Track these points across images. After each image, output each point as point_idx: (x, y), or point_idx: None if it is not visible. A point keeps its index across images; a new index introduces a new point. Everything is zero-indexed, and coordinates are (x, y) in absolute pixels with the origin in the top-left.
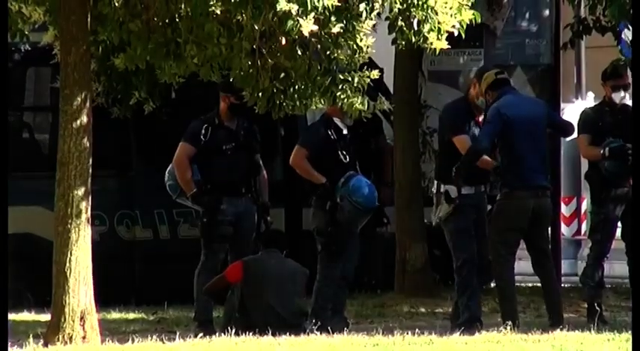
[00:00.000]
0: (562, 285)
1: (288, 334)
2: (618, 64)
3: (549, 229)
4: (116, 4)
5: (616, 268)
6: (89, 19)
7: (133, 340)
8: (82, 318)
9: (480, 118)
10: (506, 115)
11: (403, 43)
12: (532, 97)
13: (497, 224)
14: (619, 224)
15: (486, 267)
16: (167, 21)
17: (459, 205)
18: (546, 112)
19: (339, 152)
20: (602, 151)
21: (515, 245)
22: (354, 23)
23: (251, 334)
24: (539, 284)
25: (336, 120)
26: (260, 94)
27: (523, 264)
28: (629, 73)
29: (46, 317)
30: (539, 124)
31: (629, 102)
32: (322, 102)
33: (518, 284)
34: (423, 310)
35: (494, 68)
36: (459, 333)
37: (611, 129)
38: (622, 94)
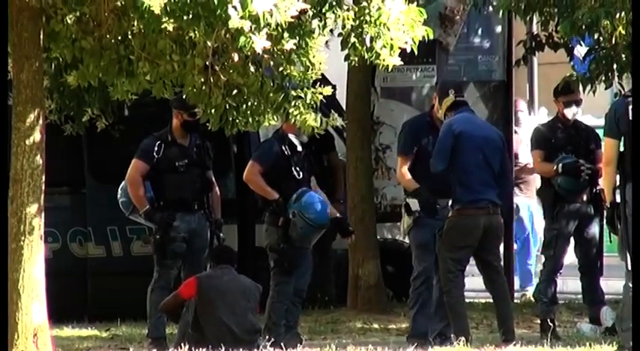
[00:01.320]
0: (514, 300)
1: (241, 350)
2: (570, 80)
3: (501, 245)
4: (68, 22)
5: (569, 284)
6: (41, 37)
7: None
8: (35, 335)
9: None
10: (457, 129)
11: (356, 59)
12: (488, 123)
13: (447, 241)
14: (571, 240)
15: None
16: (119, 38)
17: (420, 217)
18: (501, 141)
19: (293, 168)
20: (555, 168)
21: (465, 262)
22: (307, 39)
23: (205, 350)
24: (491, 300)
25: (291, 136)
26: (213, 110)
27: (476, 280)
28: (580, 89)
29: None
30: (492, 143)
31: (581, 118)
32: (275, 118)
33: (471, 300)
34: (376, 326)
35: (454, 84)
36: (412, 348)
37: (564, 145)
38: (574, 109)
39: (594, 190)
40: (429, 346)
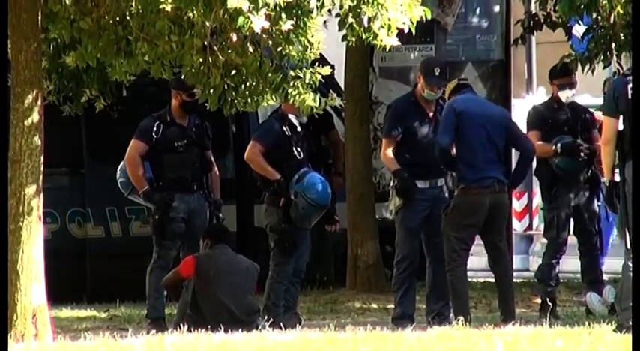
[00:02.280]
0: (514, 280)
1: (240, 330)
2: (566, 62)
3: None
4: (67, 2)
5: (569, 262)
6: (40, 17)
7: (85, 338)
8: (34, 315)
9: (431, 111)
10: (458, 108)
11: (353, 39)
12: (492, 103)
13: (452, 220)
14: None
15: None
16: (118, 19)
17: (413, 200)
18: (506, 117)
19: (294, 148)
20: (553, 148)
21: (470, 241)
22: (305, 19)
23: (203, 331)
24: (490, 279)
25: (291, 116)
26: (211, 90)
27: (475, 259)
28: (579, 69)
29: None
30: (495, 121)
31: (578, 98)
32: (273, 98)
33: (470, 279)
34: (374, 305)
35: (438, 62)
36: (411, 328)
37: (560, 125)
38: (568, 92)
39: (591, 170)
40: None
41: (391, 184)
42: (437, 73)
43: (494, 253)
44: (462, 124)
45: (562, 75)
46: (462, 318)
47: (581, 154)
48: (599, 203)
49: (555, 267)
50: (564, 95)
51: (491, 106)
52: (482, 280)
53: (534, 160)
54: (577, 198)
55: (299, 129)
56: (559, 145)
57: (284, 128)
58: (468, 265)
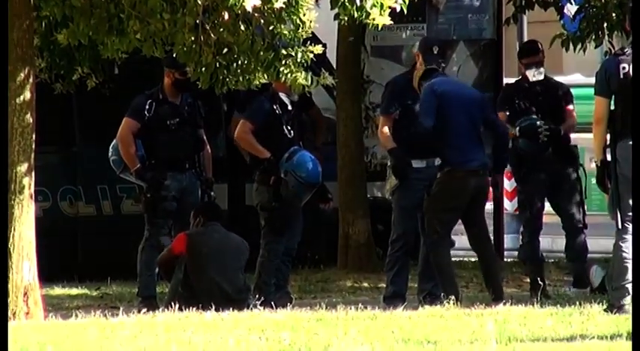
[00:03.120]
0: (505, 259)
1: (231, 309)
2: (533, 41)
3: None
4: None
5: (559, 242)
6: None
7: (76, 316)
8: (25, 294)
9: None
10: (439, 89)
11: (345, 18)
12: (469, 86)
13: (435, 203)
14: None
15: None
16: None
17: (409, 178)
18: (483, 99)
19: (284, 127)
20: (513, 131)
21: (452, 223)
22: None
23: (194, 309)
24: None
25: (282, 95)
26: (203, 69)
27: (465, 239)
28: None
29: None
30: (474, 103)
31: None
32: (265, 77)
33: (460, 259)
34: (366, 285)
35: (437, 41)
36: (401, 308)
37: (529, 106)
38: (534, 71)
39: (566, 146)
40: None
41: (388, 163)
42: (435, 52)
43: (474, 233)
44: (444, 105)
45: (527, 54)
46: (452, 297)
47: (540, 136)
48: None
49: (535, 245)
50: (531, 74)
51: (468, 88)
52: (473, 259)
53: None
54: (550, 177)
55: (290, 107)
56: (518, 128)
57: (274, 107)
58: (457, 245)
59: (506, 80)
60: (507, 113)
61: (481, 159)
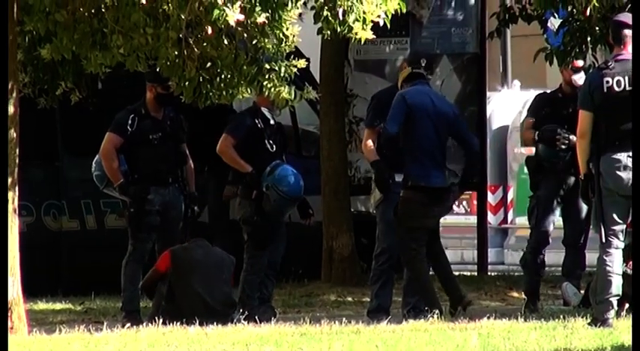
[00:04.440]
0: (489, 273)
1: (215, 323)
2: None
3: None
4: None
5: (549, 256)
6: (15, 10)
7: (60, 331)
8: (9, 309)
9: None
10: (410, 100)
11: (329, 32)
12: (443, 97)
13: (405, 223)
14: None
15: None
16: (93, 11)
17: (390, 192)
18: (455, 115)
19: (266, 141)
20: (533, 136)
21: (425, 238)
22: (280, 12)
23: (178, 324)
24: (465, 273)
25: (264, 110)
26: (186, 83)
27: (449, 253)
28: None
29: None
30: (444, 119)
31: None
32: (249, 91)
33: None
34: (350, 299)
35: (426, 55)
36: (385, 322)
37: (558, 115)
38: (581, 75)
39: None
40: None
41: (373, 177)
42: (423, 64)
43: (435, 247)
44: (412, 116)
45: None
46: (437, 311)
47: (558, 142)
48: None
49: (538, 257)
50: (578, 78)
51: (442, 102)
52: (457, 273)
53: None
54: (564, 189)
55: (272, 122)
56: (538, 132)
57: (256, 121)
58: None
59: (489, 94)
60: (533, 120)
61: (442, 182)
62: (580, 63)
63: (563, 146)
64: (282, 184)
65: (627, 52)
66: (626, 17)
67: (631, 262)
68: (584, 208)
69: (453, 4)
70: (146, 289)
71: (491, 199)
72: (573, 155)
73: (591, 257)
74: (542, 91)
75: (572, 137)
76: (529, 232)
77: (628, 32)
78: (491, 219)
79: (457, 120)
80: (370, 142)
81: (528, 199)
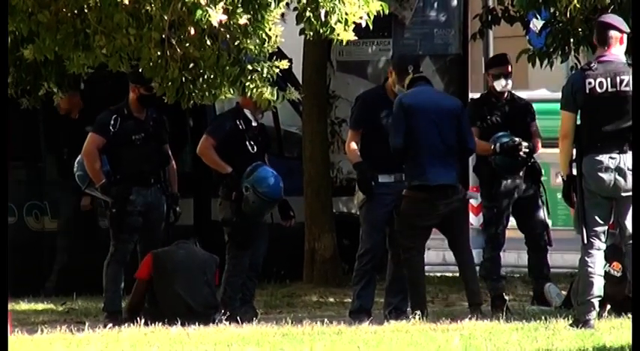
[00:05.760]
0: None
1: (197, 324)
2: (501, 53)
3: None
4: None
5: (524, 257)
6: None
7: (42, 331)
8: None
9: None
10: (406, 102)
11: (311, 33)
12: (446, 94)
13: (404, 222)
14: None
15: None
16: (76, 12)
17: (373, 194)
18: (458, 109)
19: (247, 142)
20: (492, 147)
21: (425, 238)
22: (263, 13)
23: (160, 324)
24: (447, 274)
25: (247, 111)
26: (169, 84)
27: (432, 254)
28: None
29: None
30: (446, 115)
31: (534, 94)
32: (231, 92)
33: (427, 274)
34: (331, 300)
35: (412, 59)
36: (367, 323)
37: (499, 121)
38: (503, 82)
39: (530, 164)
40: (368, 319)
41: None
42: (410, 71)
43: (458, 257)
44: (410, 118)
45: (497, 64)
46: (418, 312)
47: (521, 153)
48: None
49: (498, 262)
50: (499, 85)
51: (444, 99)
52: (439, 274)
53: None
54: (517, 194)
55: (254, 123)
56: (498, 144)
57: (238, 122)
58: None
59: (471, 95)
60: (477, 129)
61: (447, 179)
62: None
63: (525, 156)
64: (262, 185)
65: (611, 54)
66: (611, 18)
67: (615, 263)
68: (539, 209)
69: (435, 5)
70: (136, 304)
71: (473, 200)
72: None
73: (573, 258)
74: (474, 98)
75: (529, 145)
76: (486, 239)
77: (612, 33)
78: (473, 220)
79: (460, 115)
80: (353, 144)
81: (484, 208)
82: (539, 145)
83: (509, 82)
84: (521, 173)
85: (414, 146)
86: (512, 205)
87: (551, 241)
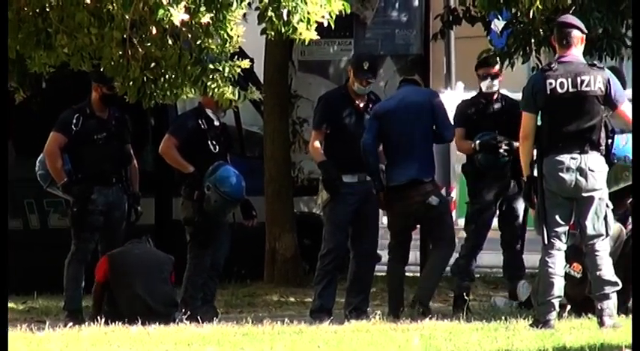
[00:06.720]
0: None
1: (157, 323)
2: (489, 54)
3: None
4: None
5: (484, 258)
6: None
7: None
8: None
9: (362, 104)
10: (379, 112)
11: (273, 33)
12: (422, 88)
13: (390, 227)
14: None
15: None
16: (38, 10)
17: (338, 193)
18: (427, 101)
19: (209, 142)
20: (472, 145)
21: (403, 236)
22: (225, 13)
23: (120, 323)
24: (407, 274)
25: (208, 111)
26: (131, 83)
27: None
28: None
29: None
30: (416, 109)
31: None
32: (193, 92)
33: (377, 274)
34: (292, 299)
35: (368, 57)
36: (328, 322)
37: (486, 121)
38: (488, 82)
39: (516, 165)
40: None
41: (320, 177)
42: (365, 68)
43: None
44: (385, 126)
45: (482, 65)
46: (379, 312)
47: (500, 150)
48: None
49: (472, 262)
50: (484, 86)
51: (415, 94)
52: (410, 274)
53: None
54: (502, 193)
55: (216, 123)
56: (477, 141)
57: (200, 121)
58: (385, 260)
59: None
60: (463, 129)
61: (402, 173)
62: (496, 68)
63: (505, 153)
64: (224, 184)
65: (571, 54)
66: (571, 19)
67: (575, 264)
68: (521, 210)
69: (397, 5)
70: (96, 306)
71: (454, 195)
72: (514, 159)
73: (533, 259)
74: (464, 99)
75: (514, 143)
76: (465, 237)
77: (575, 33)
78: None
79: (435, 106)
80: (317, 143)
81: (467, 205)
82: None
83: (496, 82)
84: (507, 173)
85: (389, 149)
86: (497, 205)
87: (523, 241)
